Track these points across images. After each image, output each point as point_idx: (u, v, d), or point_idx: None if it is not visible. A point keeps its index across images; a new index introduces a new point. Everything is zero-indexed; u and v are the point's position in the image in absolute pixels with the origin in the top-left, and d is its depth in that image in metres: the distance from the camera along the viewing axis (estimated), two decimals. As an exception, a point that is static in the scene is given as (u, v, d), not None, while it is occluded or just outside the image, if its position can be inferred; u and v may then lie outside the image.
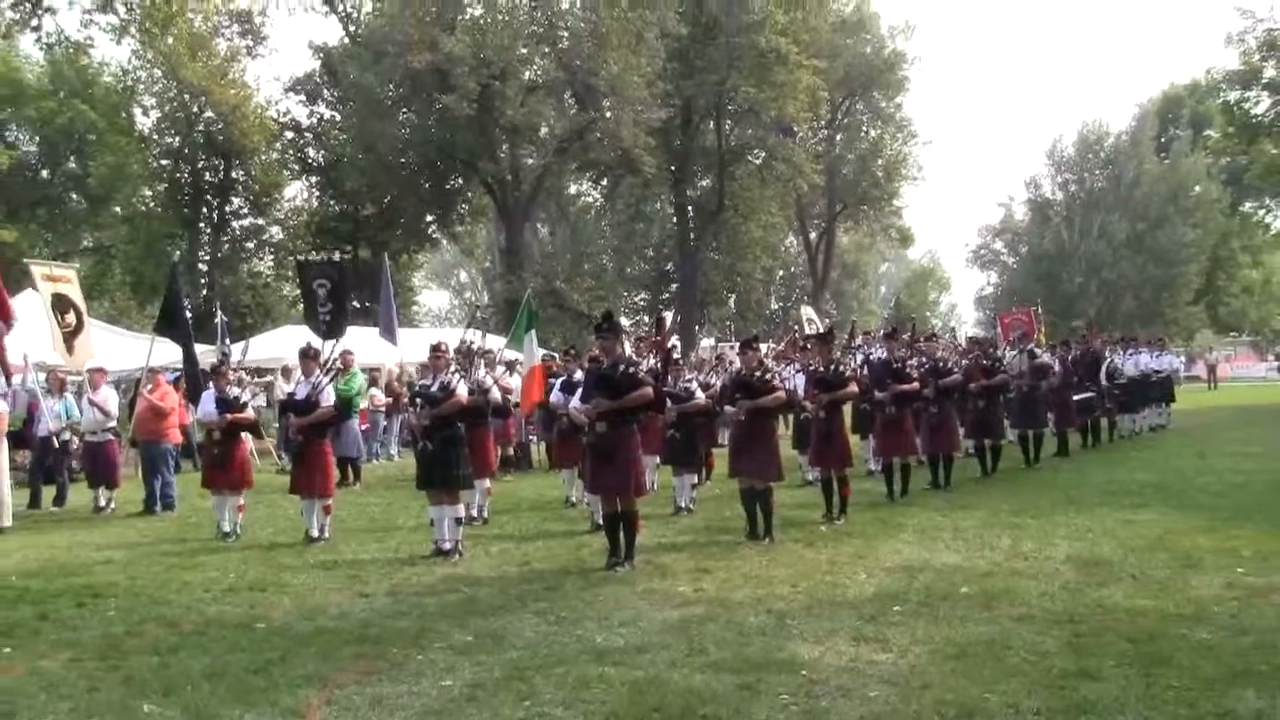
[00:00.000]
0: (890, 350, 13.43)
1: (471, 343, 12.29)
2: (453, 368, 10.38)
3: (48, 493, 14.66)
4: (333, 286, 15.91)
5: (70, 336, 14.90)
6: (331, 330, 15.48)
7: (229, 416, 11.64)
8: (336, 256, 32.88)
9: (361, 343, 18.91)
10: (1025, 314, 22.86)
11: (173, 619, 7.58)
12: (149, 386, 14.17)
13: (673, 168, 42.72)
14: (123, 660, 6.46)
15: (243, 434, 11.98)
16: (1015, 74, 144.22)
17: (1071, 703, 5.20)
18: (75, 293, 15.28)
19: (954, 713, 5.10)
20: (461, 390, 10.04)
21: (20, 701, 5.69)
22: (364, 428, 18.00)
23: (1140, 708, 5.11)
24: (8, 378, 13.68)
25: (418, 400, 10.40)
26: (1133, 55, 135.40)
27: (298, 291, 36.32)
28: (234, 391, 11.89)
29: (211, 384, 12.29)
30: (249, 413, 12.04)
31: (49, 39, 37.64)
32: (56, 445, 14.63)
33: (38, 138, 39.10)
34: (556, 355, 17.66)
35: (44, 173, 40.02)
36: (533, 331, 15.76)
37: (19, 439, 15.32)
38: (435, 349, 10.43)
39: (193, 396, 15.02)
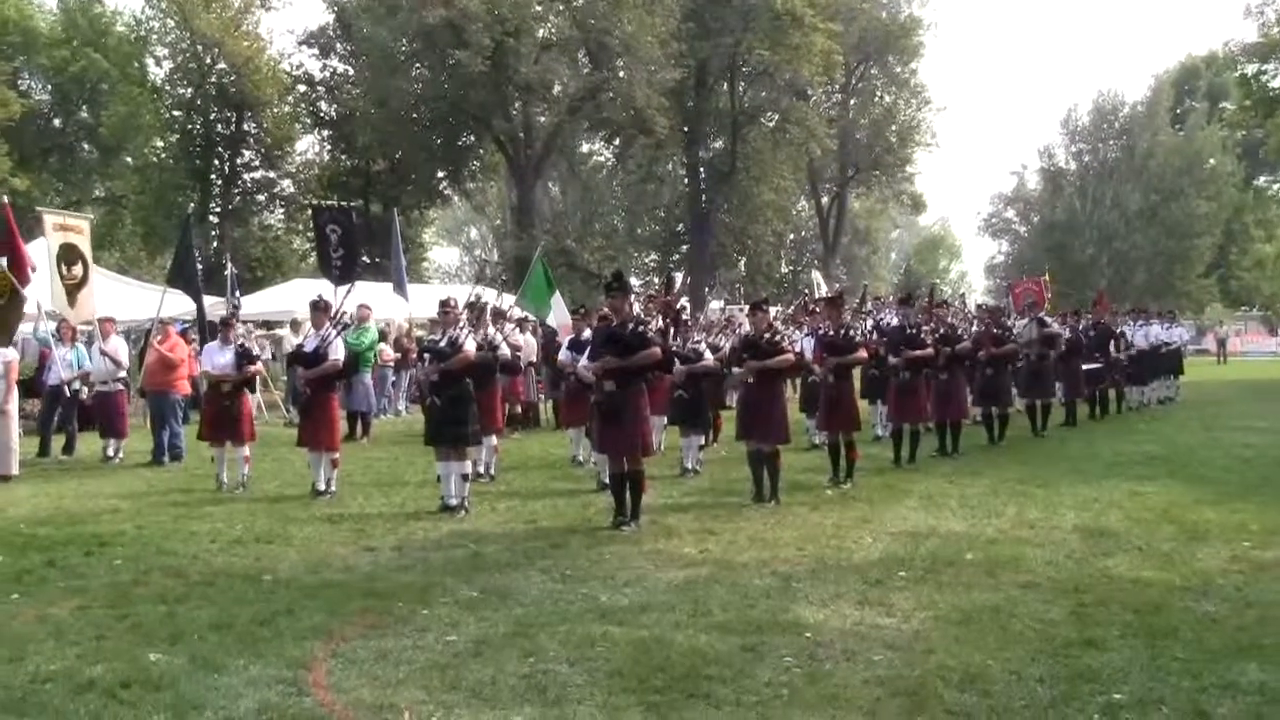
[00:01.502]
0: (905, 316, 13.43)
1: (479, 296, 12.26)
2: (462, 323, 10.35)
3: (57, 441, 14.74)
4: (343, 233, 15.88)
5: (74, 289, 14.88)
6: (343, 276, 15.48)
7: (250, 370, 11.74)
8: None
9: (372, 297, 18.91)
10: (1035, 283, 22.79)
11: (180, 569, 7.64)
12: (159, 337, 14.20)
13: (685, 129, 42.41)
14: (130, 609, 6.49)
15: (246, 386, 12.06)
16: (1031, 42, 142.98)
17: (1075, 671, 5.21)
18: (85, 244, 15.25)
19: (957, 678, 5.11)
20: (469, 346, 10.04)
21: (29, 648, 5.71)
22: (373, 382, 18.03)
23: (1144, 678, 5.11)
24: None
25: (425, 355, 10.41)
26: (1150, 25, 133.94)
27: (308, 245, 36.46)
28: (249, 344, 11.96)
29: (219, 336, 12.34)
30: (258, 365, 12.11)
31: (62, -14, 37.70)
32: (67, 394, 14.69)
33: (50, 86, 38.98)
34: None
35: (56, 121, 39.94)
36: (557, 293, 15.74)
37: (29, 388, 15.37)
38: (445, 304, 10.41)
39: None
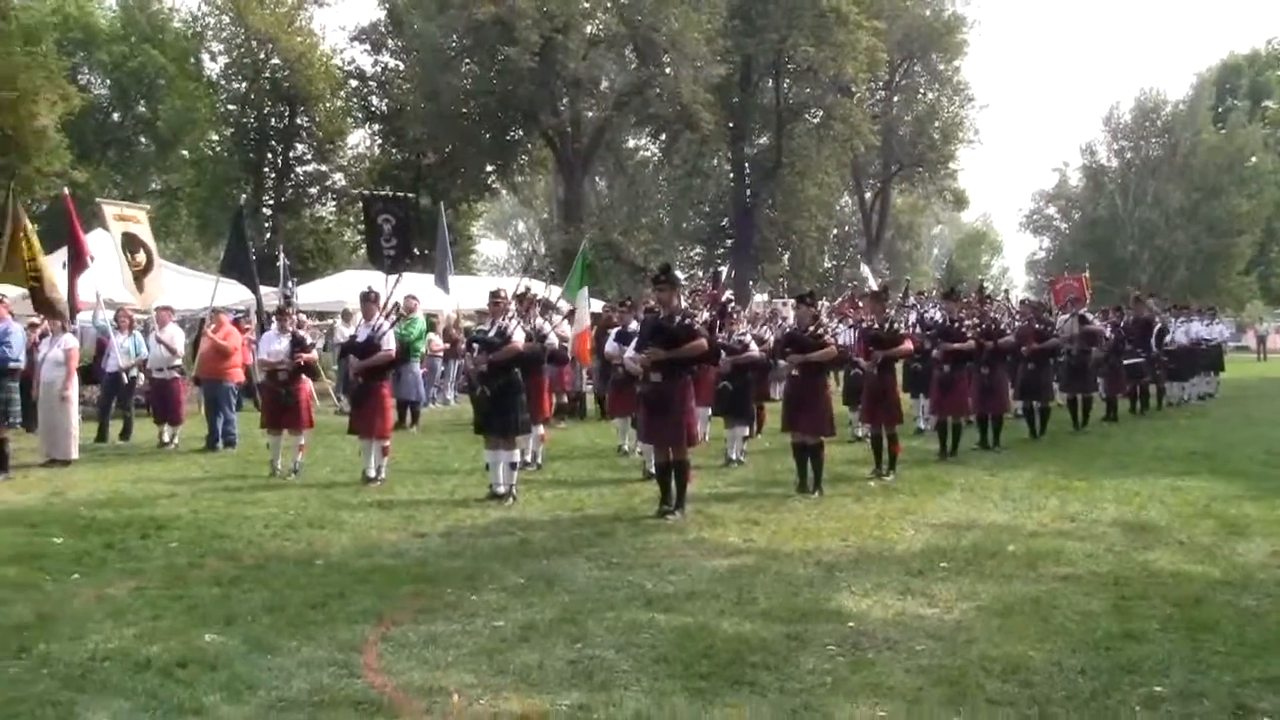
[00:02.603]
0: (949, 310, 13.44)
1: (528, 288, 12.37)
2: (511, 313, 10.42)
3: (115, 427, 15.00)
4: (397, 223, 16.01)
5: (140, 275, 15.18)
6: (395, 265, 15.62)
7: (302, 356, 11.93)
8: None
9: (420, 288, 19.09)
10: (1076, 279, 22.73)
11: (234, 552, 7.76)
12: (213, 326, 14.40)
13: (731, 125, 42.67)
14: (185, 590, 6.59)
15: (303, 375, 12.22)
16: (1073, 40, 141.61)
17: (1116, 663, 5.21)
18: (145, 232, 15.55)
19: (999, 669, 5.12)
20: (518, 336, 10.08)
21: (89, 627, 5.83)
22: (422, 372, 18.22)
23: (1185, 671, 5.11)
24: (73, 315, 14.05)
25: (474, 345, 10.48)
26: (1192, 23, 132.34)
27: (359, 237, 36.77)
28: (302, 333, 12.14)
29: (274, 325, 12.55)
30: (313, 354, 12.29)
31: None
32: (125, 381, 14.99)
33: (109, 81, 39.70)
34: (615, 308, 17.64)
35: (115, 116, 40.67)
36: (584, 290, 15.69)
37: (88, 374, 15.67)
38: (494, 295, 10.43)
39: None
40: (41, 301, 13.35)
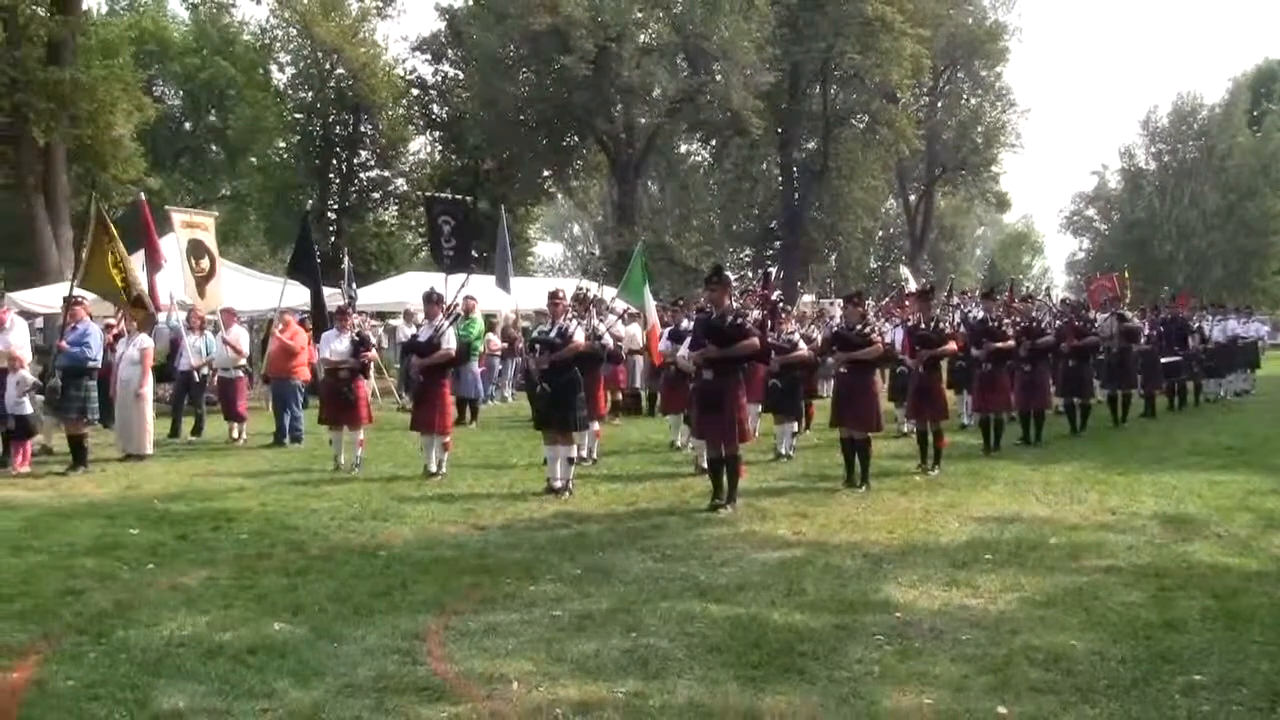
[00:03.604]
0: (988, 309, 13.63)
1: (587, 290, 12.57)
2: (570, 314, 10.61)
3: (187, 423, 15.37)
4: (456, 224, 16.21)
5: (203, 281, 15.50)
6: (455, 265, 15.78)
7: (367, 355, 12.21)
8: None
9: (479, 290, 19.36)
10: (1109, 279, 22.73)
11: (301, 544, 7.94)
12: (280, 326, 14.71)
13: (779, 130, 43.37)
14: (255, 580, 6.77)
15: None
16: (1112, 45, 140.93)
17: (1156, 653, 5.26)
18: (210, 239, 15.88)
19: (1042, 658, 5.19)
20: (579, 336, 10.25)
21: (163, 614, 6.01)
22: (481, 370, 18.50)
23: (1223, 660, 5.17)
24: (157, 310, 14.51)
25: (536, 345, 10.63)
26: (1228, 29, 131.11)
27: (420, 239, 37.32)
28: (365, 332, 12.43)
29: (335, 325, 12.80)
30: (373, 353, 12.57)
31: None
32: (196, 379, 15.40)
33: (182, 92, 40.76)
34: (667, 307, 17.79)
35: (187, 125, 41.75)
36: (647, 288, 15.90)
37: (163, 373, 16.04)
38: (553, 295, 10.64)
39: (319, 337, 15.65)
40: (130, 300, 13.65)
